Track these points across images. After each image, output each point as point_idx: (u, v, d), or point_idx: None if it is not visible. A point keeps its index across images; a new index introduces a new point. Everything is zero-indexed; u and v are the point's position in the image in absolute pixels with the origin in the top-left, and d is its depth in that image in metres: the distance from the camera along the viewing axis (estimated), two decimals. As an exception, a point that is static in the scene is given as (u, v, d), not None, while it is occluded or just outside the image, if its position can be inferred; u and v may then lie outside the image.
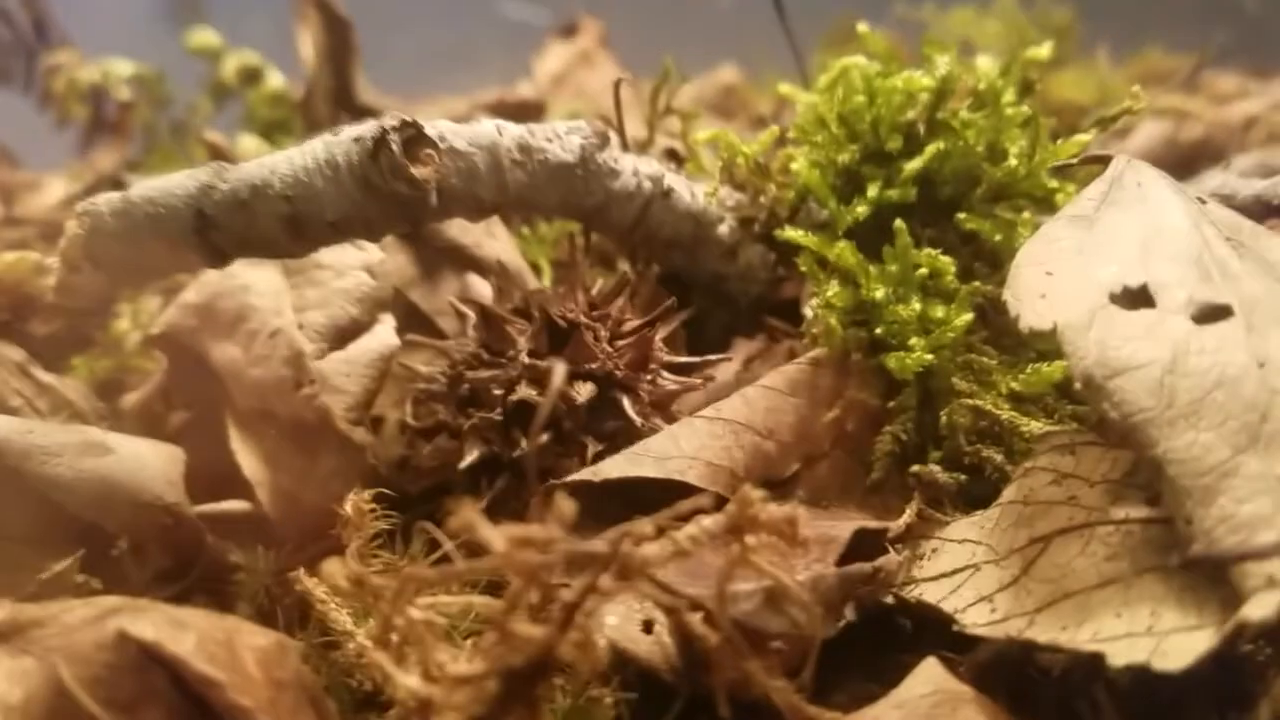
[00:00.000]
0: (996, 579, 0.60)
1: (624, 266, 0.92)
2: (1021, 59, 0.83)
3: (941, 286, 0.73)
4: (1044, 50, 0.85)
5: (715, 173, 0.86)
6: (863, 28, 0.89)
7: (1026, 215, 0.79)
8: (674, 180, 0.80)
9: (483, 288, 0.95)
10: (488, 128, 0.72)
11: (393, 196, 0.66)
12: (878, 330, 0.72)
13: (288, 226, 0.66)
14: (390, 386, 0.81)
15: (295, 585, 0.62)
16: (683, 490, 0.65)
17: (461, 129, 0.71)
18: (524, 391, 0.72)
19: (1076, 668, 0.57)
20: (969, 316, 0.71)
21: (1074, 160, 0.75)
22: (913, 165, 0.77)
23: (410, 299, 0.86)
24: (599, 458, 0.70)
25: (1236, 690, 0.55)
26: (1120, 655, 0.50)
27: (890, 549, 0.64)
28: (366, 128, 0.66)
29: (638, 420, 0.72)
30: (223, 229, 0.66)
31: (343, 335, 0.79)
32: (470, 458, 0.72)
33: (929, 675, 0.56)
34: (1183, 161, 1.44)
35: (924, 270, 0.73)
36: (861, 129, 0.79)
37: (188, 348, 0.81)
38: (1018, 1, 1.82)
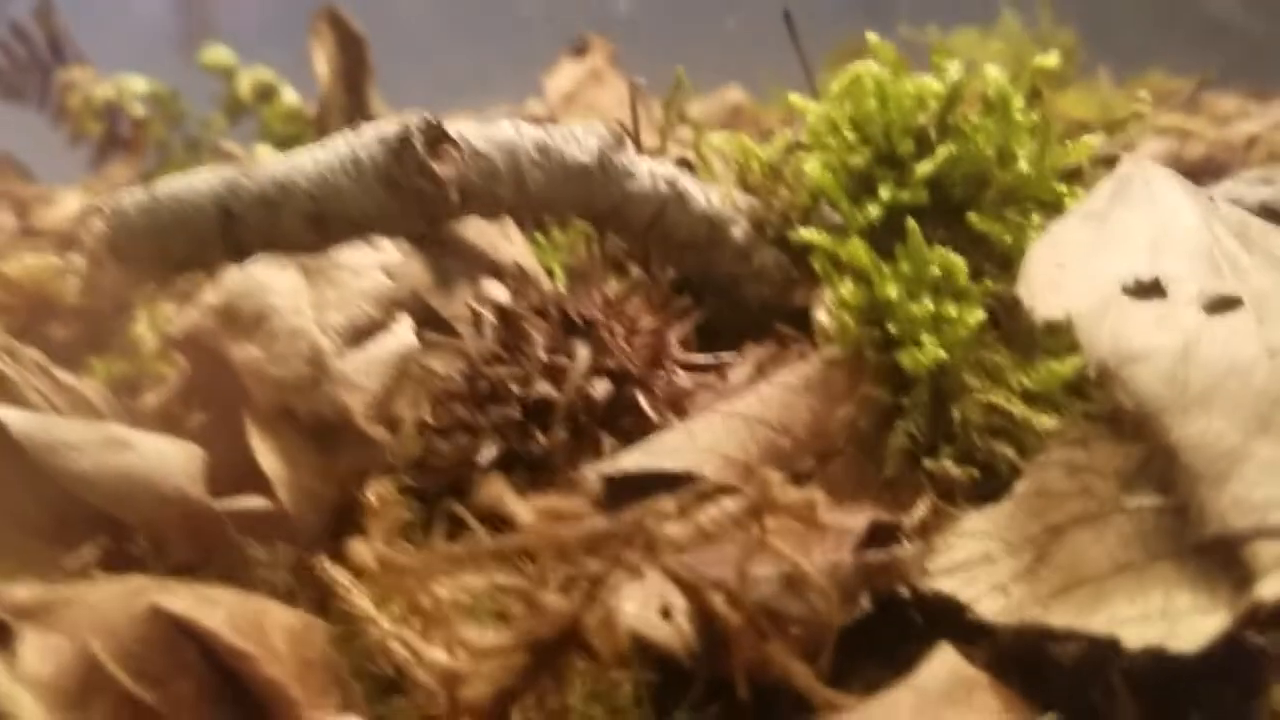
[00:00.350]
0: (1010, 568, 0.61)
1: (636, 270, 0.94)
2: (1030, 67, 0.85)
3: (954, 285, 0.74)
4: (1051, 59, 0.87)
5: (727, 178, 0.88)
6: (872, 37, 0.91)
7: (1036, 219, 0.81)
8: (689, 183, 0.81)
9: (498, 292, 0.96)
10: (507, 128, 0.73)
11: (415, 194, 0.68)
12: (891, 328, 0.73)
13: (312, 224, 0.68)
14: (407, 386, 0.82)
15: (316, 572, 0.63)
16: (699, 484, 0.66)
17: (482, 129, 0.72)
18: (542, 388, 0.73)
19: (1091, 654, 0.57)
20: (981, 315, 0.72)
21: (1083, 163, 0.77)
22: (924, 168, 0.78)
23: (427, 303, 0.87)
24: (614, 452, 0.71)
25: (1252, 679, 0.56)
26: (1135, 638, 0.51)
27: (905, 541, 0.64)
28: (390, 126, 0.68)
29: (653, 417, 0.73)
30: (248, 226, 0.67)
31: (361, 335, 0.80)
32: (489, 454, 0.73)
33: (944, 661, 0.57)
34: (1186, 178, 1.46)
35: (936, 269, 0.74)
36: (873, 133, 0.81)
37: (208, 348, 0.82)
38: (1021, 23, 1.85)
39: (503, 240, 0.91)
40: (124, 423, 0.85)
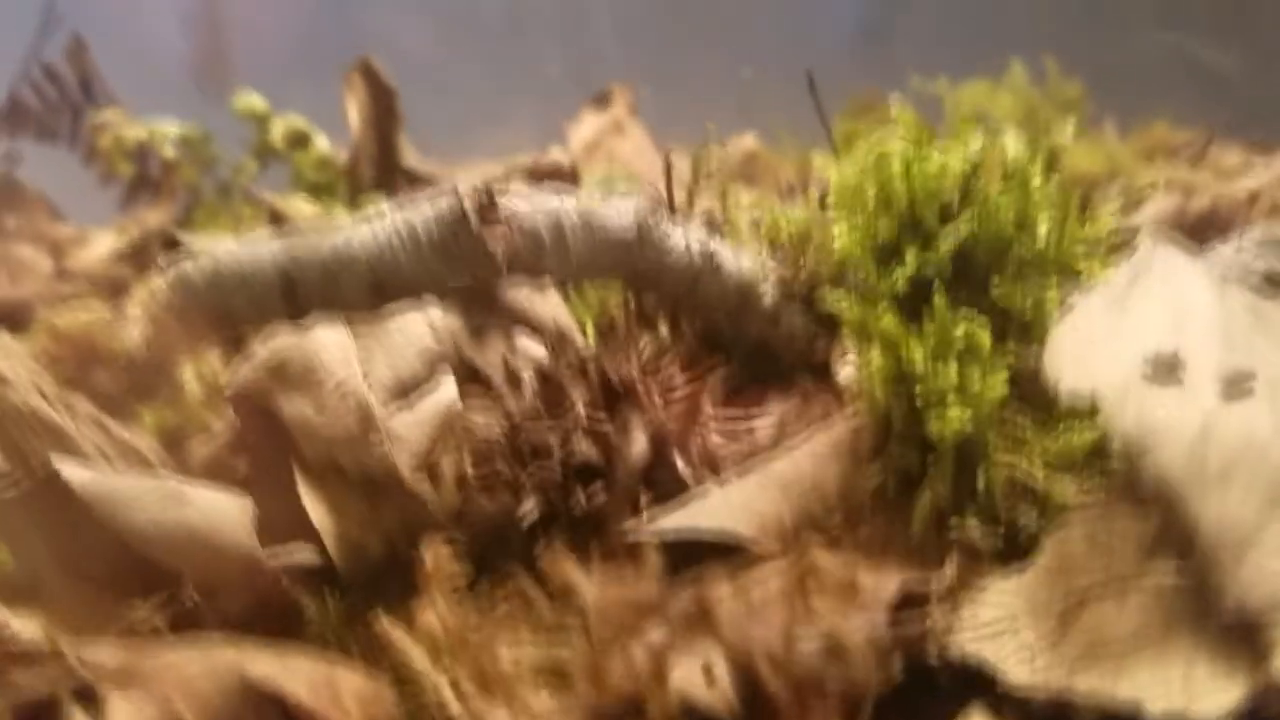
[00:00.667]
0: (1036, 634, 0.64)
1: (665, 326, 0.97)
2: (1049, 141, 0.89)
3: (978, 354, 0.77)
4: (1068, 130, 0.90)
5: (755, 239, 0.91)
6: (896, 107, 0.95)
7: (1054, 288, 0.84)
8: (721, 249, 0.85)
9: (529, 343, 0.99)
10: (553, 201, 0.77)
11: (467, 264, 0.71)
12: (918, 396, 0.77)
13: (369, 291, 0.71)
14: (450, 441, 0.85)
15: (376, 631, 0.65)
16: (734, 547, 0.69)
17: (530, 199, 0.76)
18: (583, 448, 0.76)
19: None
20: (1004, 383, 0.75)
21: (1101, 241, 0.80)
22: (948, 239, 0.82)
23: (469, 360, 0.90)
24: (651, 511, 0.74)
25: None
26: (1157, 704, 0.54)
27: (934, 603, 0.67)
28: (445, 200, 0.71)
29: (688, 476, 0.76)
30: (308, 291, 0.71)
31: (407, 391, 0.83)
32: (529, 510, 0.76)
33: (977, 724, 0.60)
34: (1191, 232, 1.49)
35: (961, 338, 0.78)
36: (899, 205, 0.84)
37: (258, 402, 0.85)
38: (1029, 75, 1.90)
39: (540, 298, 0.95)
40: (174, 473, 0.88)
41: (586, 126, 1.51)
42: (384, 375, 0.83)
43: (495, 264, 0.71)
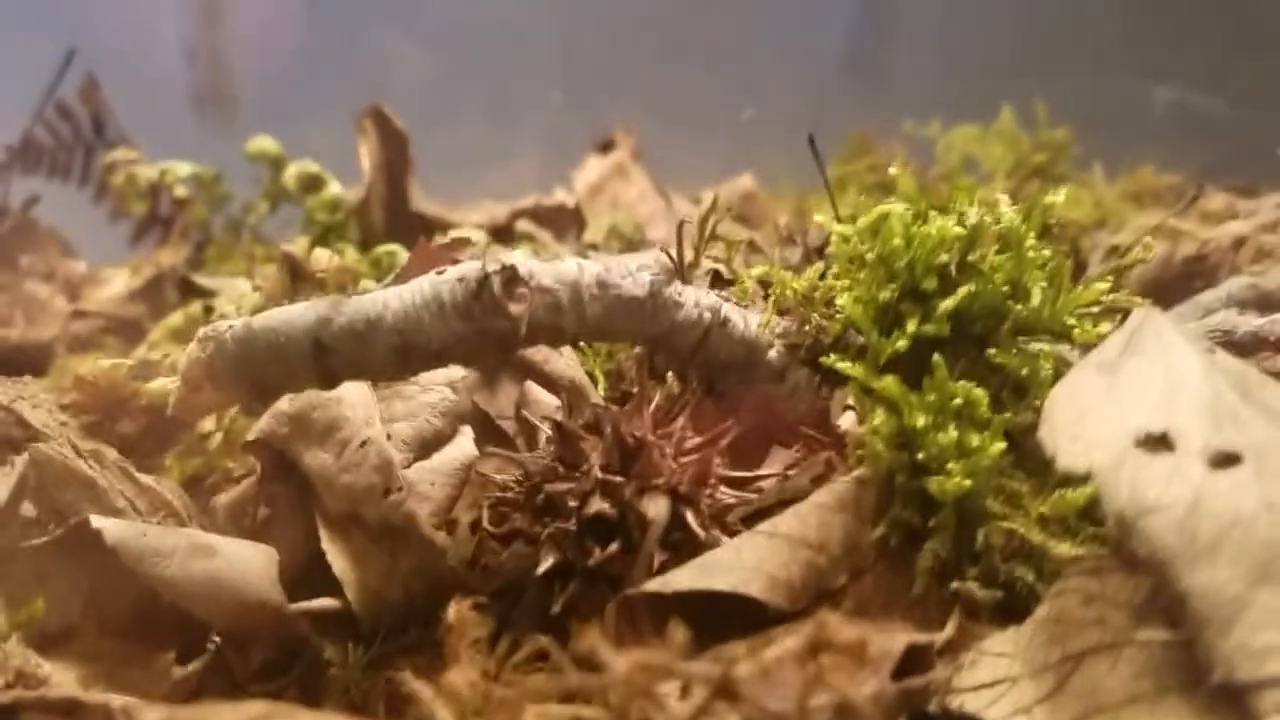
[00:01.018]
0: (1033, 693, 0.67)
1: (674, 380, 1.00)
2: (1041, 204, 0.93)
3: (976, 415, 0.81)
4: (1060, 196, 0.94)
5: (760, 297, 0.95)
6: (895, 170, 0.98)
7: (1048, 349, 0.88)
8: (730, 310, 0.88)
9: (538, 393, 1.03)
10: (571, 266, 0.80)
11: (491, 330, 0.74)
12: (919, 455, 0.80)
13: (397, 355, 0.74)
14: (466, 492, 0.88)
15: (398, 686, 0.68)
16: (745, 602, 0.72)
17: (548, 268, 0.79)
18: (598, 505, 0.79)
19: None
20: (1002, 444, 0.79)
21: (1093, 308, 0.84)
22: (946, 304, 0.85)
23: (487, 415, 0.93)
24: (664, 567, 0.77)
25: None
26: (1151, 766, 0.57)
27: (935, 661, 0.71)
28: (469, 269, 0.74)
29: (700, 533, 0.79)
30: (339, 357, 0.74)
31: (427, 445, 0.86)
32: (546, 564, 0.79)
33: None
34: (1180, 279, 1.54)
35: (959, 400, 0.81)
36: (899, 269, 0.88)
37: (281, 453, 0.88)
38: (1018, 118, 1.95)
39: (554, 354, 0.98)
40: (200, 521, 0.91)
41: (591, 171, 1.55)
42: (404, 429, 0.86)
43: (517, 332, 0.74)
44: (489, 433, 0.94)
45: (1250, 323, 0.96)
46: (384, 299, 0.74)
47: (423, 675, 0.75)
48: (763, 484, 0.86)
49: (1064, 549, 0.76)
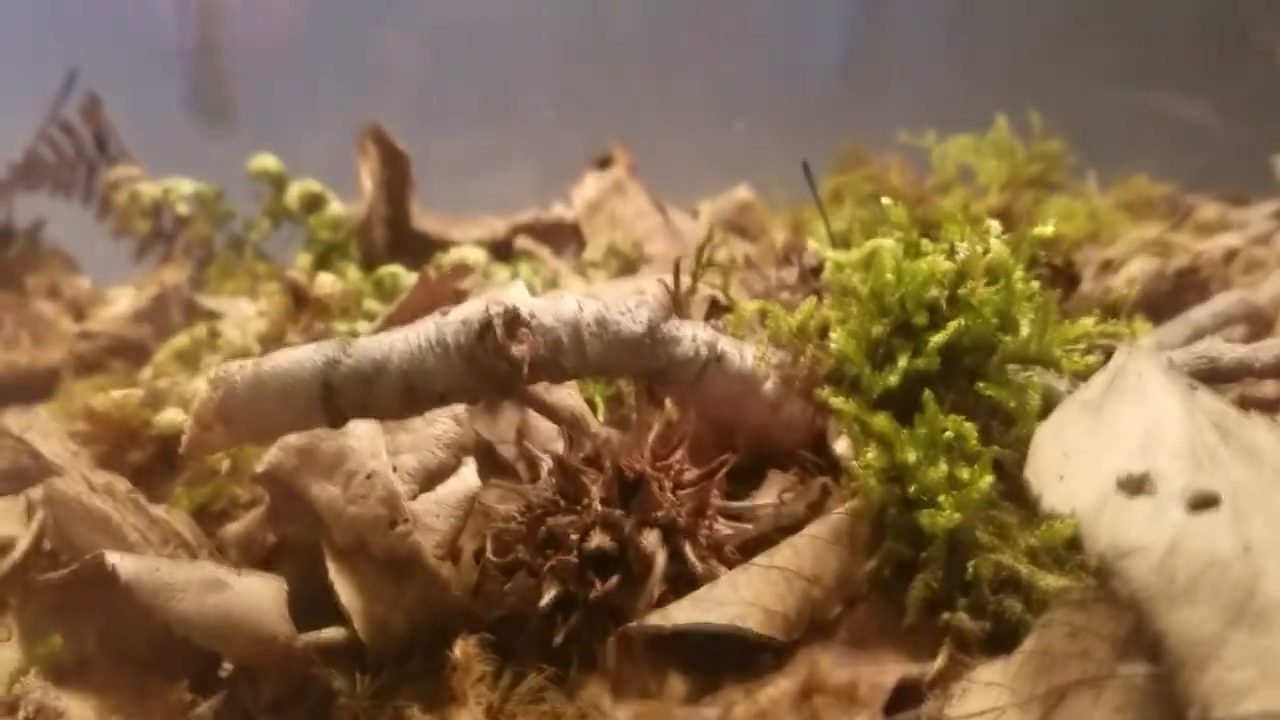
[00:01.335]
0: (1020, 723, 0.70)
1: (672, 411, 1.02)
2: (1030, 237, 0.95)
3: (966, 449, 0.83)
4: (1049, 229, 0.96)
5: (757, 329, 0.97)
6: (886, 201, 1.00)
7: (1036, 380, 0.90)
8: (726, 344, 0.90)
9: (537, 421, 1.05)
10: (570, 304, 0.82)
11: (493, 370, 0.77)
12: (911, 489, 0.82)
13: (403, 396, 0.76)
14: (470, 524, 0.90)
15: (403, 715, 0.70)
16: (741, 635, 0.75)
17: (549, 306, 0.81)
18: (599, 539, 0.81)
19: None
20: (991, 478, 0.81)
21: (1079, 346, 0.86)
22: (937, 338, 0.88)
23: (490, 447, 0.95)
24: (663, 598, 0.80)
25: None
26: (1131, 799, 0.60)
27: (926, 693, 0.73)
28: (473, 311, 0.77)
29: (698, 565, 0.82)
30: (346, 398, 0.76)
31: (432, 477, 0.89)
32: (549, 597, 0.81)
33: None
34: (1172, 292, 1.57)
35: (950, 434, 0.83)
36: (891, 304, 0.90)
37: (289, 484, 0.90)
38: (1013, 128, 1.96)
39: (555, 386, 1.00)
40: (210, 550, 0.93)
41: (589, 188, 1.57)
42: (409, 461, 0.89)
43: (520, 372, 0.76)
44: (491, 463, 0.96)
45: (1235, 350, 0.98)
46: (390, 341, 0.77)
47: (428, 704, 0.78)
48: (759, 512, 0.88)
49: (1051, 581, 0.78)
